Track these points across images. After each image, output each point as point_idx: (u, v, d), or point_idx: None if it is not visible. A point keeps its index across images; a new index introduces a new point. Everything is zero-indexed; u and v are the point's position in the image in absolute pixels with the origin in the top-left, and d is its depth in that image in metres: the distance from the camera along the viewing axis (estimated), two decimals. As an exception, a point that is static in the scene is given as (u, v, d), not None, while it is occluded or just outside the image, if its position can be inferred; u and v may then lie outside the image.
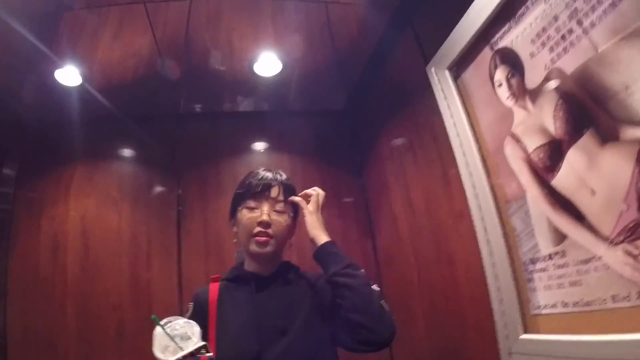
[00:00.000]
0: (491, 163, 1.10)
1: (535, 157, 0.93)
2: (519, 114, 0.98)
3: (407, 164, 1.57)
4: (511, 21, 0.98)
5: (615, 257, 0.74)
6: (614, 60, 0.74)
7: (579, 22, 0.80)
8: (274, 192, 0.97)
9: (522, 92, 0.96)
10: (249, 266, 1.00)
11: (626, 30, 0.71)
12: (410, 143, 1.54)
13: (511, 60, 0.99)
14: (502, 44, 1.02)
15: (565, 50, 0.84)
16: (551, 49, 0.87)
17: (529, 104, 0.95)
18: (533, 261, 0.95)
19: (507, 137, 1.02)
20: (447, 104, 1.22)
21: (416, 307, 1.52)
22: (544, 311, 0.92)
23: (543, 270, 0.92)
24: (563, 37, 0.84)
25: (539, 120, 0.91)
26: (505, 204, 1.05)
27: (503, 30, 1.01)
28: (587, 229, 0.81)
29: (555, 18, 0.85)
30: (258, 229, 0.93)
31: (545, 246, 0.91)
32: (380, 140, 1.82)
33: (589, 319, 0.81)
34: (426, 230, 1.44)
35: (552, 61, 0.87)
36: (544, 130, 0.90)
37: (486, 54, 1.07)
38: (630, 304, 0.72)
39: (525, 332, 0.96)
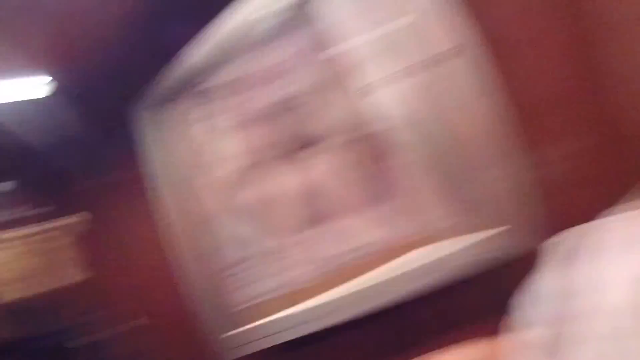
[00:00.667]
0: (187, 189, 1.24)
1: (225, 181, 1.15)
2: (211, 145, 1.18)
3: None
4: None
5: (293, 246, 1.04)
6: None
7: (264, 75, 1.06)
8: None
9: (215, 130, 1.17)
10: None
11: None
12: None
13: (206, 103, 1.18)
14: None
15: (251, 98, 1.08)
16: (241, 97, 1.11)
17: (220, 138, 1.17)
18: (228, 267, 1.16)
19: (200, 166, 1.21)
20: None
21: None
22: (243, 305, 1.14)
23: (236, 273, 1.14)
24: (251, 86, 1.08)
25: (228, 151, 1.14)
26: (200, 223, 1.21)
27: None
28: (269, 231, 1.07)
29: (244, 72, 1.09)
30: None
31: (236, 253, 1.13)
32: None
33: (288, 298, 1.06)
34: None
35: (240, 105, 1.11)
36: (232, 158, 1.14)
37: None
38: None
39: (233, 328, 1.15)
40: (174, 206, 1.23)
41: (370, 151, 0.90)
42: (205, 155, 1.17)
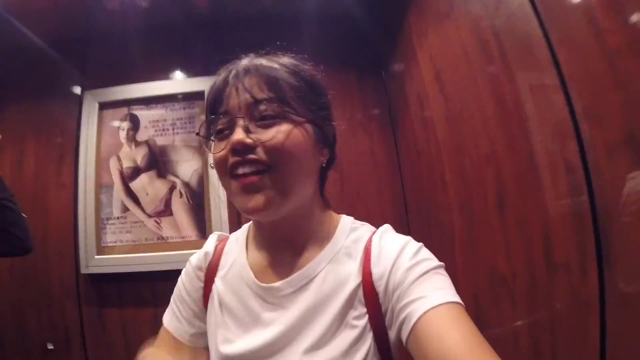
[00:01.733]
0: (99, 165, 1.96)
1: (125, 170, 1.95)
2: (125, 147, 1.98)
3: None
4: (145, 106, 1.98)
5: (149, 222, 1.85)
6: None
7: (173, 126, 1.86)
8: None
9: (131, 139, 1.97)
10: None
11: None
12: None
13: (134, 121, 1.98)
14: (134, 112, 1.99)
15: (160, 135, 1.90)
16: (155, 131, 1.93)
17: (132, 146, 1.97)
18: (108, 218, 1.95)
19: (114, 156, 1.97)
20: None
21: None
22: (109, 244, 1.94)
23: (112, 224, 1.94)
24: (163, 129, 1.88)
25: (133, 155, 1.95)
26: (99, 187, 1.96)
27: (141, 106, 1.99)
28: (140, 209, 1.86)
29: (163, 120, 1.91)
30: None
31: (116, 212, 1.94)
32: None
33: (133, 248, 1.90)
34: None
35: (153, 135, 1.95)
36: (134, 160, 1.96)
37: (124, 111, 2.00)
38: (153, 242, 1.89)
39: (98, 255, 1.92)
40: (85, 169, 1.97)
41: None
42: (119, 151, 1.95)
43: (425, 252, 0.59)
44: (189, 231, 1.89)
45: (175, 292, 0.73)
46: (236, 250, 0.70)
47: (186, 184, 1.92)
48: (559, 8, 0.93)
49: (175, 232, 1.89)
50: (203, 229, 1.88)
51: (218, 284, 0.67)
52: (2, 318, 1.91)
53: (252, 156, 0.55)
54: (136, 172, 1.93)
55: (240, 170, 0.56)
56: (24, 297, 1.93)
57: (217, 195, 1.87)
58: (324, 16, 2.03)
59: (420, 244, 0.60)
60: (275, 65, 0.61)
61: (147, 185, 1.92)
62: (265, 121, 0.57)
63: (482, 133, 1.23)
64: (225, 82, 0.60)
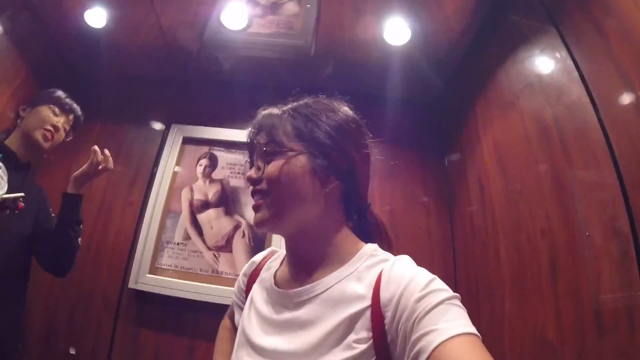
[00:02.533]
0: (171, 191, 2.22)
1: (195, 202, 2.19)
2: (199, 182, 2.24)
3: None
4: (225, 149, 2.28)
5: (207, 254, 2.05)
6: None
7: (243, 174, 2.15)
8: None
9: (207, 176, 2.24)
10: None
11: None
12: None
13: (213, 160, 2.27)
14: (214, 152, 2.28)
15: (234, 177, 2.17)
16: (230, 173, 2.20)
17: (207, 182, 2.23)
18: (168, 242, 2.14)
19: (187, 187, 2.23)
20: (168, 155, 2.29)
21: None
22: (164, 267, 2.10)
23: (171, 248, 2.13)
24: (238, 173, 2.15)
25: (205, 190, 2.20)
26: (167, 212, 2.19)
27: (221, 148, 2.29)
28: (201, 240, 2.04)
29: (240, 164, 2.19)
30: None
31: (178, 238, 2.13)
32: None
33: (186, 275, 2.05)
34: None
35: (227, 176, 2.21)
36: (205, 194, 2.20)
37: (205, 149, 2.30)
38: (207, 274, 2.04)
39: (150, 273, 2.07)
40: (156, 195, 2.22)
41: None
42: (193, 183, 2.21)
43: (439, 283, 0.59)
44: (244, 270, 2.01)
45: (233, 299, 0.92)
46: (276, 263, 0.84)
47: (250, 226, 2.10)
48: (611, 96, 1.09)
49: (231, 269, 2.04)
50: (257, 271, 2.00)
51: (254, 288, 0.82)
52: (34, 315, 1.98)
53: (258, 187, 0.72)
54: (205, 205, 2.16)
55: (254, 197, 0.74)
56: (62, 298, 2.02)
57: (279, 244, 2.01)
58: (395, 98, 2.33)
59: (434, 276, 0.61)
60: (278, 112, 0.77)
61: (213, 220, 2.13)
62: (268, 158, 0.72)
63: (539, 209, 1.36)
64: (248, 134, 0.80)
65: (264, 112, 0.79)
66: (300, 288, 0.70)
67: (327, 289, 0.67)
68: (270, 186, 0.70)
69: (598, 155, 1.11)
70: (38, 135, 1.42)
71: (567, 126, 1.27)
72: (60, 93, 1.54)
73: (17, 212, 1.17)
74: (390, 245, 0.78)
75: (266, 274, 0.81)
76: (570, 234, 1.19)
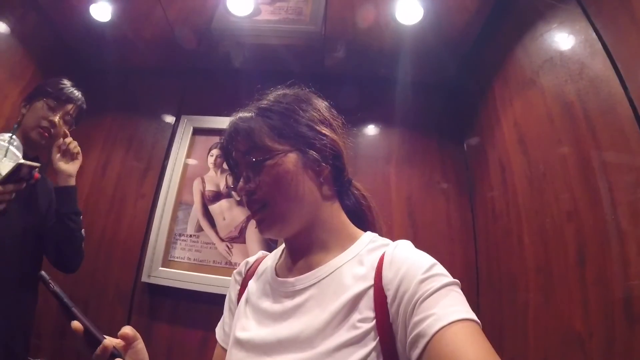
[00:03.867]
0: (182, 183, 2.22)
1: (207, 193, 2.18)
2: (211, 172, 2.23)
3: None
4: None
5: (220, 246, 2.03)
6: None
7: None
8: None
9: (219, 166, 2.23)
10: None
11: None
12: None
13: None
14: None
15: None
16: None
17: (218, 172, 2.23)
18: (180, 234, 2.15)
19: (198, 177, 2.23)
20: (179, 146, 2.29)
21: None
22: (176, 259, 2.11)
23: (184, 240, 2.14)
24: None
25: (217, 181, 2.19)
26: (179, 203, 2.20)
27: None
28: (214, 231, 2.03)
29: None
30: None
31: (190, 230, 2.14)
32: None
33: (199, 267, 2.05)
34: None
35: None
36: (217, 185, 2.19)
37: (215, 139, 2.27)
38: (221, 266, 2.04)
39: (163, 266, 2.09)
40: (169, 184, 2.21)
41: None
42: (205, 174, 2.20)
43: (440, 268, 0.60)
44: (257, 261, 2.00)
45: (225, 305, 0.88)
46: (272, 259, 0.84)
47: (263, 216, 2.06)
48: (639, 68, 1.02)
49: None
50: (272, 262, 1.99)
51: (250, 285, 0.81)
52: (47, 310, 1.94)
53: (254, 197, 0.71)
54: (217, 196, 2.16)
55: (251, 208, 0.73)
56: (75, 293, 1.98)
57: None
58: (412, 81, 2.29)
59: (436, 260, 0.62)
60: (250, 115, 0.74)
61: (226, 211, 2.12)
62: (256, 166, 0.70)
63: (564, 191, 1.30)
64: (222, 143, 0.78)
65: (233, 118, 0.77)
66: (303, 275, 0.70)
67: (330, 273, 0.68)
68: (268, 195, 0.70)
69: (626, 132, 1.04)
70: (34, 135, 1.39)
71: (592, 102, 1.20)
72: (54, 84, 1.47)
73: (32, 181, 1.18)
74: (373, 222, 0.80)
75: (264, 270, 0.81)
76: (597, 218, 1.12)
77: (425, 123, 2.28)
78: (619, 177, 1.07)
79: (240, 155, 0.73)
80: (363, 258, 0.68)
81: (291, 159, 0.70)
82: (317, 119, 0.75)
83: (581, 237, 1.19)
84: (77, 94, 1.50)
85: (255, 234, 2.06)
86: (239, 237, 2.07)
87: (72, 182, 1.46)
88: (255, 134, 0.71)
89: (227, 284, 1.90)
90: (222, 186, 2.18)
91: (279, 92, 0.79)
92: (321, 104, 0.79)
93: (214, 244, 2.08)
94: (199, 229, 2.12)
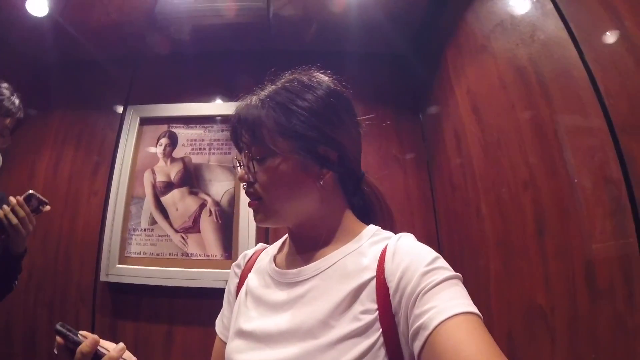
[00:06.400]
0: (132, 176, 2.05)
1: (158, 184, 2.03)
2: (161, 162, 2.07)
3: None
4: (185, 125, 2.09)
5: (175, 237, 1.86)
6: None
7: (209, 146, 1.95)
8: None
9: (168, 155, 2.06)
10: None
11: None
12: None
13: (173, 138, 2.09)
14: (174, 130, 2.10)
15: (196, 153, 1.98)
16: (192, 149, 2.02)
17: (168, 161, 2.06)
18: (135, 229, 2.00)
19: (149, 169, 2.06)
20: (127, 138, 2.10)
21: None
22: (133, 255, 1.97)
23: (139, 235, 1.99)
24: (200, 148, 1.96)
25: (167, 171, 2.04)
26: (130, 198, 2.04)
27: (180, 125, 2.11)
28: (168, 223, 1.89)
29: (201, 140, 2.00)
30: None
31: (144, 224, 1.98)
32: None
33: (156, 261, 1.91)
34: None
35: (189, 153, 2.04)
36: (167, 175, 2.03)
37: (163, 128, 2.12)
38: (177, 257, 1.90)
39: (120, 264, 1.94)
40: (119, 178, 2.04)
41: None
42: (155, 165, 2.03)
43: (442, 261, 0.59)
44: (215, 250, 1.90)
45: (224, 297, 0.85)
46: (272, 251, 0.81)
47: (217, 203, 1.96)
48: (593, 29, 0.94)
49: (201, 250, 1.91)
50: (229, 249, 1.89)
51: (249, 277, 0.79)
52: (15, 316, 1.91)
53: (251, 190, 0.69)
54: (169, 186, 2.01)
55: (248, 196, 0.71)
56: (40, 297, 1.95)
57: (247, 217, 1.90)
58: (364, 54, 2.19)
59: (438, 254, 0.60)
60: (256, 103, 0.69)
61: (178, 201, 1.97)
62: (258, 158, 0.68)
63: (519, 159, 1.23)
64: (231, 125, 0.74)
65: (241, 103, 0.73)
66: (304, 266, 0.69)
67: (332, 265, 0.66)
68: (263, 193, 0.68)
69: (582, 95, 0.96)
70: None
71: (545, 65, 1.11)
72: None
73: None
74: (391, 215, 0.78)
75: (263, 262, 0.79)
76: (556, 186, 1.05)
77: (380, 96, 2.15)
78: (577, 143, 1.00)
79: (244, 146, 0.71)
80: (366, 250, 0.66)
81: (290, 163, 0.67)
82: (328, 120, 0.69)
83: (539, 206, 1.12)
84: (16, 103, 1.32)
85: (210, 223, 1.94)
86: (194, 227, 1.94)
87: (25, 244, 1.30)
88: (258, 128, 0.67)
89: (185, 276, 1.97)
90: (173, 175, 2.02)
91: (293, 80, 0.72)
92: (332, 92, 0.71)
93: (169, 236, 1.94)
94: (153, 222, 1.97)
